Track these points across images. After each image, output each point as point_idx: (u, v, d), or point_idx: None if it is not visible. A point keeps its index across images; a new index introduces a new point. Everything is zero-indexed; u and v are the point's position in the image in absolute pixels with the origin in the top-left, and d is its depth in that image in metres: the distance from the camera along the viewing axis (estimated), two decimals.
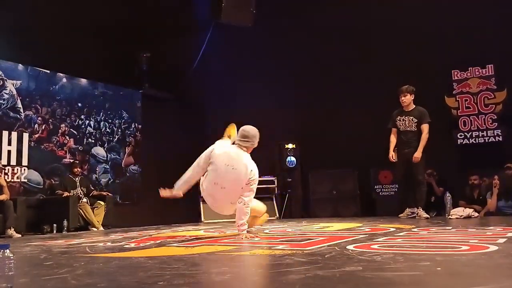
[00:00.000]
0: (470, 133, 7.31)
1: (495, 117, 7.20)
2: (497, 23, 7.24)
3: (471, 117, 7.35)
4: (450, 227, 4.17)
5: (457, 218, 5.50)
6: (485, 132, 7.24)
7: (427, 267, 1.93)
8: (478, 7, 7.32)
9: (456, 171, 7.15)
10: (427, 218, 5.71)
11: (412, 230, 4.00)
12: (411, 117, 5.92)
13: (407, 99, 5.92)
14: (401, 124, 5.98)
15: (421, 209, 5.84)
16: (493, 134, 7.19)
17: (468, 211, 5.65)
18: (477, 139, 7.26)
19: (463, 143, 7.32)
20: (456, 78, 7.51)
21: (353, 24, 8.15)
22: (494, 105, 7.26)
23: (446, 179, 7.05)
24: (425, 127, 5.84)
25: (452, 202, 5.94)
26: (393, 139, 6.04)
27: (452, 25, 7.46)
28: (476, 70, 7.40)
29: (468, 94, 7.41)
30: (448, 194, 5.96)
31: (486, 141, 7.20)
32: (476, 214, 5.72)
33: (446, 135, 7.38)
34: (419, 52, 7.63)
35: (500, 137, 7.11)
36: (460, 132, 7.36)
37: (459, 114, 7.43)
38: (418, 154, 5.76)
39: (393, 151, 6.01)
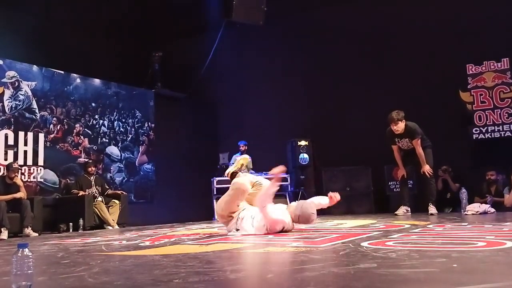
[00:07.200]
0: (486, 128, 7.21)
1: (511, 111, 7.09)
2: None
3: (486, 111, 7.24)
4: (466, 223, 4.13)
5: (473, 214, 5.44)
6: (500, 126, 7.13)
7: (443, 264, 1.91)
8: (493, 0, 7.21)
9: (472, 166, 7.07)
10: (432, 214, 5.67)
11: (427, 226, 3.97)
12: (406, 139, 6.02)
13: (399, 127, 5.92)
14: (402, 145, 6.09)
15: (430, 205, 5.84)
16: (509, 129, 7.08)
17: (484, 207, 5.58)
18: (492, 134, 7.16)
19: (479, 138, 7.22)
20: (470, 72, 7.40)
21: (366, 20, 8.09)
22: (510, 99, 7.14)
23: (461, 175, 6.97)
24: (416, 144, 5.93)
25: (468, 198, 5.87)
26: (398, 156, 6.17)
27: (467, 18, 7.35)
28: (491, 64, 7.28)
29: (483, 88, 7.31)
30: (463, 190, 5.90)
31: (502, 135, 7.09)
32: (493, 210, 5.65)
33: (461, 130, 7.30)
34: (433, 46, 7.55)
35: None
36: (475, 127, 7.26)
37: (474, 108, 7.33)
38: (425, 168, 5.86)
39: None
